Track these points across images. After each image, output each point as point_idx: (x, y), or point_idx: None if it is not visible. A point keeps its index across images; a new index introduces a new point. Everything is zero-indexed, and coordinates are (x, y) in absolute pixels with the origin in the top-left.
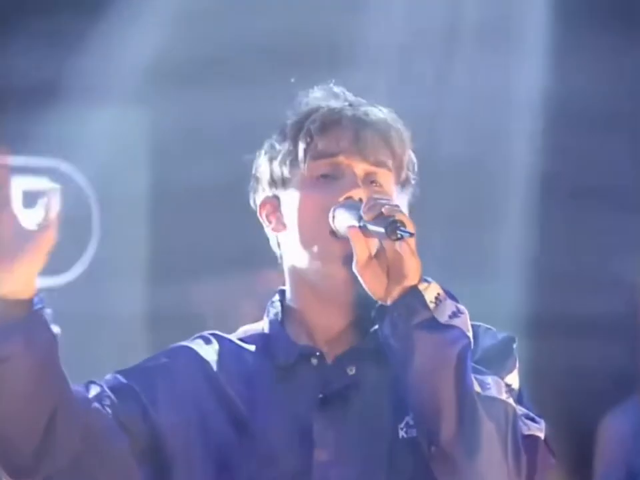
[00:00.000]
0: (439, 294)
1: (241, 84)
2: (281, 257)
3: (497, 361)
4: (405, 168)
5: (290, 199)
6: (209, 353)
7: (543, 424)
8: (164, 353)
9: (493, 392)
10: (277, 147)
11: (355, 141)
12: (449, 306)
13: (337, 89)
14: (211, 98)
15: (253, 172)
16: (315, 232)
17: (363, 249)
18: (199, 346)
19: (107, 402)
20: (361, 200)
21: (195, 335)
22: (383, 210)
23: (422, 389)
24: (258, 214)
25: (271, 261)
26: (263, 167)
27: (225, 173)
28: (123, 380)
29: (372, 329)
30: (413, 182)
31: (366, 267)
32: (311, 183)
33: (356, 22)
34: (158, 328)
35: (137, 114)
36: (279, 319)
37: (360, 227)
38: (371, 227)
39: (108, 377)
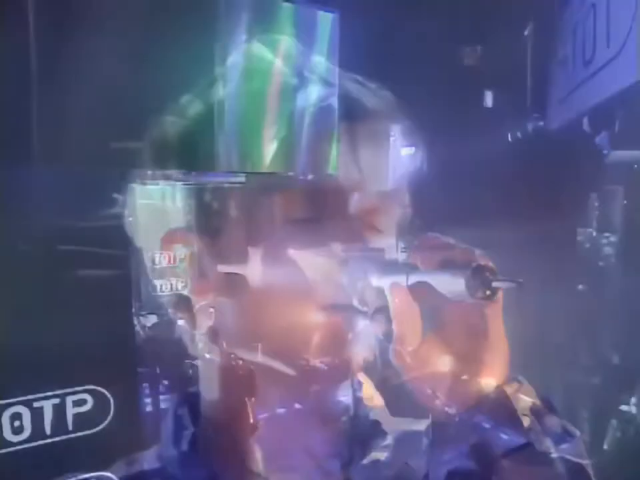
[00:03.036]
0: (534, 403)
1: None
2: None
3: None
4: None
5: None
6: None
7: None
8: None
9: None
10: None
11: (348, 152)
12: (553, 424)
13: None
14: None
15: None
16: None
17: (414, 321)
18: None
19: None
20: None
21: None
22: (458, 252)
23: None
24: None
25: None
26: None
27: None
28: None
29: None
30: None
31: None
32: (279, 229)
33: None
34: None
35: None
36: None
37: (409, 285)
38: (440, 280)
39: None
